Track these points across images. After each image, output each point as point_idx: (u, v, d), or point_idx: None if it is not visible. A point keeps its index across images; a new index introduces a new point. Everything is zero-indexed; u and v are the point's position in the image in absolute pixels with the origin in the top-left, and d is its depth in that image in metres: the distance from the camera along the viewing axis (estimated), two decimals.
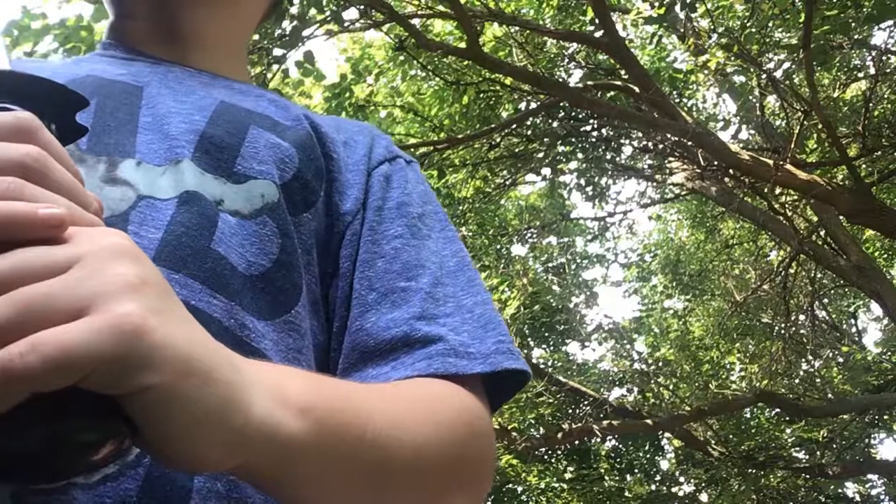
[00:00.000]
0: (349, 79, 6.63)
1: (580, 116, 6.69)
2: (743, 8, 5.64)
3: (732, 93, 7.28)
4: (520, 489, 10.13)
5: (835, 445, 7.92)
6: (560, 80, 6.68)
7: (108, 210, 0.55)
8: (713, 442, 8.19)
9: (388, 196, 0.69)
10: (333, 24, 5.26)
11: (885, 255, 9.18)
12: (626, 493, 9.68)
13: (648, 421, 7.64)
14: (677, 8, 5.28)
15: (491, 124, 6.67)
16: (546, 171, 7.73)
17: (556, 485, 9.80)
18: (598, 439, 9.60)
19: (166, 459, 0.39)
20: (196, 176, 0.60)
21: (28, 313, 0.35)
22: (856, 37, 5.04)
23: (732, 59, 5.55)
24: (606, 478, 9.92)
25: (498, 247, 9.69)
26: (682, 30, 6.79)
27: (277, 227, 0.61)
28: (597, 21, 5.49)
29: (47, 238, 0.38)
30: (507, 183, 7.66)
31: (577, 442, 9.17)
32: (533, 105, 6.72)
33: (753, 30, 5.09)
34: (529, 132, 6.89)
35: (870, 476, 8.82)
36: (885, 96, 6.00)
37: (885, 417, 8.11)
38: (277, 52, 5.18)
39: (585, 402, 8.28)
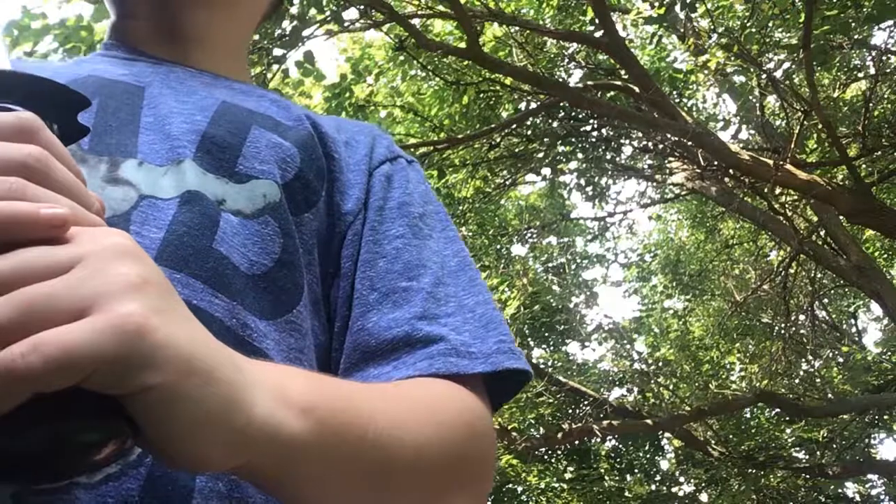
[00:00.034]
0: (349, 79, 6.64)
1: (580, 116, 6.69)
2: (743, 8, 5.64)
3: (732, 93, 7.28)
4: (520, 489, 10.13)
5: (835, 445, 7.92)
6: (560, 80, 6.68)
7: (110, 210, 0.55)
8: (713, 442, 8.19)
9: (389, 196, 0.69)
10: (333, 24, 5.27)
11: (885, 255, 9.18)
12: (626, 493, 9.68)
13: (648, 421, 7.64)
14: (677, 8, 5.29)
15: (491, 124, 6.67)
16: (546, 171, 7.74)
17: (556, 485, 9.80)
18: (598, 439, 9.60)
19: (168, 459, 0.39)
20: (198, 176, 0.60)
21: (30, 313, 0.35)
22: (856, 37, 5.04)
23: (732, 59, 5.55)
24: (606, 478, 9.92)
25: (498, 247, 9.70)
26: (682, 30, 6.79)
27: (279, 227, 0.61)
28: (597, 21, 5.49)
29: (49, 238, 0.38)
30: (507, 183, 7.66)
31: (577, 442, 9.17)
32: (533, 105, 6.72)
33: (753, 30, 5.09)
34: (529, 132, 6.89)
35: (870, 476, 8.83)
36: (885, 96, 6.00)
37: (885, 417, 8.11)
38: (277, 52, 5.19)
39: (585, 402, 8.28)
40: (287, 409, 0.43)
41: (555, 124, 6.81)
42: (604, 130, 6.93)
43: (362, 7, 5.30)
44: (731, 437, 8.26)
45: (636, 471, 10.59)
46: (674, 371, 9.58)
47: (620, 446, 10.57)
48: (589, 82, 6.57)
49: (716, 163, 5.70)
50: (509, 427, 7.97)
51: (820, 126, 5.19)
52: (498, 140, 6.63)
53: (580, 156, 7.39)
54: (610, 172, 7.78)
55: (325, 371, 0.63)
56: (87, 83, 0.64)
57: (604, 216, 8.79)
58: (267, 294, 0.59)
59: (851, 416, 7.56)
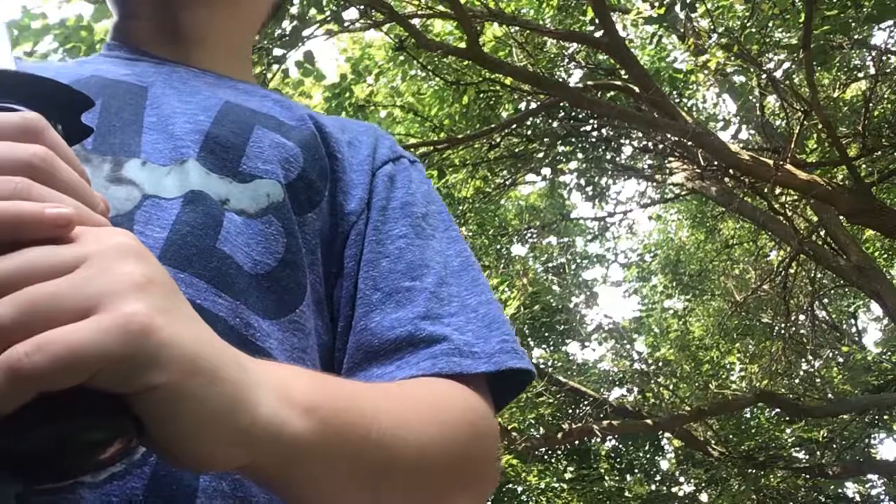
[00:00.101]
0: (349, 79, 6.64)
1: (580, 116, 6.69)
2: (743, 8, 5.64)
3: (732, 93, 7.28)
4: (520, 489, 10.13)
5: (835, 445, 7.92)
6: (560, 80, 6.68)
7: (114, 209, 0.55)
8: (713, 442, 8.19)
9: (392, 196, 0.69)
10: (333, 24, 5.27)
11: (885, 255, 9.19)
12: (626, 493, 9.68)
13: (648, 421, 7.64)
14: (677, 8, 5.29)
15: (491, 124, 6.67)
16: (546, 171, 7.74)
17: (556, 485, 9.80)
18: (598, 439, 9.60)
19: (173, 458, 0.40)
20: (201, 175, 0.60)
21: (35, 313, 0.35)
22: (856, 37, 5.04)
23: (732, 59, 5.55)
24: (606, 478, 9.92)
25: (498, 247, 9.70)
26: (682, 30, 6.79)
27: (283, 227, 0.62)
28: (597, 21, 5.49)
29: (54, 238, 0.38)
30: (507, 183, 7.66)
31: (577, 442, 9.17)
32: (533, 105, 6.72)
33: (753, 30, 5.09)
34: (529, 132, 6.89)
35: (870, 476, 8.83)
36: (885, 96, 6.00)
37: (885, 417, 8.11)
38: (277, 52, 5.18)
39: (585, 402, 8.28)
40: (291, 409, 0.43)
41: (555, 124, 6.81)
42: (604, 130, 6.93)
43: (362, 7, 5.30)
44: (731, 437, 8.26)
45: (636, 471, 10.59)
46: (674, 371, 9.59)
47: (620, 446, 10.57)
48: (589, 82, 6.58)
49: (716, 163, 5.70)
50: (509, 427, 7.98)
51: (820, 126, 5.19)
52: (498, 140, 6.63)
53: (580, 156, 7.39)
54: (610, 172, 7.78)
55: (329, 371, 0.63)
56: (90, 83, 0.64)
57: (604, 216, 8.80)
58: (270, 294, 0.59)
59: (851, 416, 7.56)
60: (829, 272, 7.02)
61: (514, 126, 6.68)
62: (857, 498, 9.43)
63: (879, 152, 5.69)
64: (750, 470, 7.62)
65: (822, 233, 6.50)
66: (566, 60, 7.05)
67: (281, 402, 0.43)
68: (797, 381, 8.68)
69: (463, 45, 5.44)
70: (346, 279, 0.65)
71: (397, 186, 0.70)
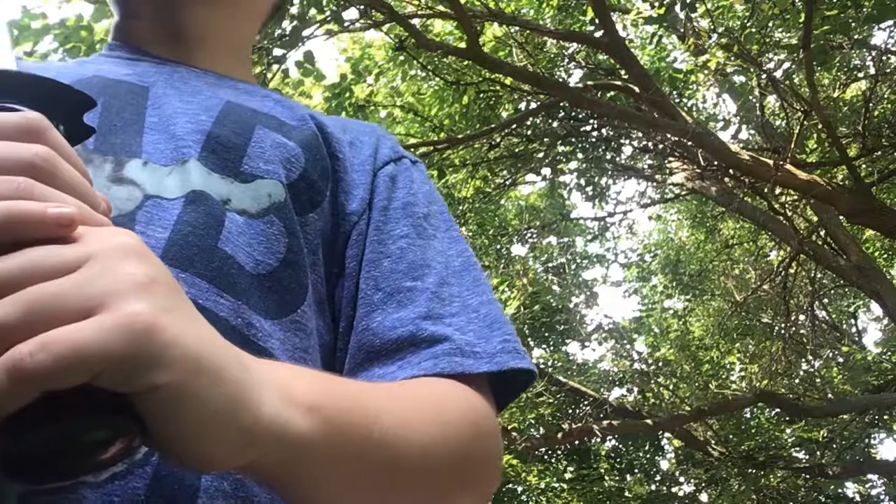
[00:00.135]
0: (349, 79, 6.64)
1: (580, 116, 6.69)
2: (743, 8, 5.64)
3: (732, 93, 7.28)
4: (520, 489, 10.13)
5: (835, 445, 7.93)
6: (560, 80, 6.68)
7: (115, 210, 0.55)
8: (713, 442, 8.20)
9: (393, 196, 0.69)
10: (333, 24, 5.27)
11: (885, 255, 9.19)
12: (626, 493, 9.68)
13: (648, 421, 7.64)
14: (677, 8, 5.29)
15: (491, 124, 6.67)
16: (546, 171, 7.74)
17: (556, 485, 9.81)
18: (598, 439, 9.61)
19: (175, 458, 0.40)
20: (203, 175, 0.60)
21: (38, 312, 0.35)
22: (856, 37, 5.04)
23: (732, 59, 5.55)
24: (606, 478, 9.92)
25: (498, 247, 9.70)
26: (682, 30, 6.79)
27: (284, 227, 0.62)
28: (597, 21, 5.49)
29: (57, 237, 0.38)
30: (507, 183, 7.66)
31: (577, 442, 9.18)
32: (533, 105, 6.72)
33: (753, 30, 5.10)
34: (529, 132, 6.89)
35: (870, 476, 8.83)
36: (885, 96, 6.00)
37: (885, 417, 8.11)
38: (277, 52, 5.19)
39: (585, 402, 8.29)
40: (294, 409, 0.43)
41: (555, 124, 6.82)
42: (604, 130, 6.94)
43: (362, 7, 5.30)
44: (731, 437, 8.26)
45: (636, 471, 10.59)
46: (674, 371, 9.59)
47: (620, 446, 10.57)
48: (589, 82, 6.58)
49: (716, 163, 5.71)
50: (509, 427, 7.98)
51: (820, 126, 5.19)
52: (498, 140, 6.63)
53: (580, 156, 7.39)
54: (610, 172, 7.78)
55: (330, 371, 0.63)
56: (91, 83, 0.64)
57: (604, 216, 8.80)
58: (272, 293, 0.59)
59: (851, 416, 7.57)
60: (829, 272, 7.02)
61: (514, 126, 6.68)
62: (857, 498, 9.43)
63: (879, 152, 5.69)
64: (750, 470, 7.62)
65: (822, 233, 6.50)
66: (566, 60, 7.06)
67: (284, 402, 0.43)
68: (797, 381, 8.69)
69: (463, 45, 5.45)
70: (348, 279, 0.65)
71: (399, 187, 0.70)
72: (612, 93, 6.45)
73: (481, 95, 6.74)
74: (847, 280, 6.51)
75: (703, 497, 9.35)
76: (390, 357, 0.60)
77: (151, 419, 0.37)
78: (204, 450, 0.39)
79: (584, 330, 10.46)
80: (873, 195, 5.24)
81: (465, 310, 0.64)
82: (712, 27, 5.65)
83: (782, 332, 7.60)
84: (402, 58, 6.48)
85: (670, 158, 6.81)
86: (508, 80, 6.25)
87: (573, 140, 7.00)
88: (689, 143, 5.38)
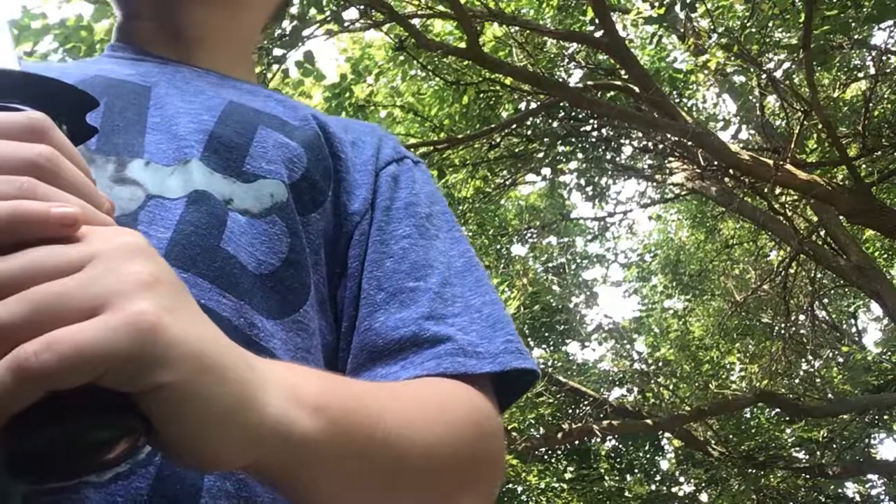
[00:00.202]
0: (349, 79, 6.63)
1: (580, 116, 6.69)
2: (743, 8, 5.64)
3: (732, 93, 7.28)
4: (520, 489, 10.13)
5: (835, 445, 7.93)
6: (560, 80, 6.68)
7: (118, 210, 0.55)
8: (713, 442, 8.20)
9: (396, 196, 0.69)
10: (333, 24, 5.27)
11: (885, 255, 9.19)
12: (626, 493, 9.68)
13: (648, 421, 7.64)
14: (677, 8, 5.29)
15: (491, 124, 6.67)
16: (546, 171, 7.74)
17: (556, 485, 9.80)
18: (598, 439, 9.61)
19: (179, 458, 0.39)
20: (205, 175, 0.60)
21: (42, 312, 0.35)
22: (856, 37, 5.04)
23: (732, 59, 5.55)
24: (606, 478, 9.92)
25: (498, 247, 9.70)
26: (682, 30, 6.79)
27: (287, 227, 0.61)
28: (597, 21, 5.49)
29: (60, 237, 0.38)
30: (507, 183, 7.66)
31: (577, 442, 9.18)
32: (533, 105, 6.72)
33: (753, 30, 5.10)
34: (529, 132, 6.89)
35: (870, 476, 8.83)
36: (885, 96, 6.00)
37: (885, 417, 8.11)
38: (277, 52, 5.18)
39: (585, 402, 8.29)
40: (300, 409, 0.43)
41: (555, 124, 6.82)
42: (604, 130, 6.93)
43: (362, 7, 5.30)
44: (731, 437, 8.26)
45: (636, 471, 10.59)
46: (674, 371, 9.59)
47: (620, 446, 10.57)
48: (589, 82, 6.58)
49: (716, 163, 5.71)
50: (509, 427, 7.97)
51: (820, 126, 5.19)
52: (498, 140, 6.63)
53: (580, 156, 7.39)
54: (610, 172, 7.78)
55: (333, 371, 0.63)
56: (93, 83, 0.64)
57: (604, 216, 8.80)
58: (274, 294, 0.59)
59: (851, 416, 7.57)
60: (829, 272, 7.02)
61: (514, 126, 6.68)
62: (857, 498, 9.44)
63: (879, 152, 5.69)
64: (750, 470, 7.62)
65: (822, 233, 6.50)
66: (566, 60, 7.06)
67: (290, 402, 0.43)
68: (797, 381, 8.69)
69: (463, 45, 5.44)
70: (350, 279, 0.65)
71: (401, 187, 0.70)
72: (612, 93, 6.45)
73: (481, 95, 6.74)
74: (847, 280, 6.51)
75: (703, 497, 9.35)
76: (393, 357, 0.60)
77: (155, 419, 0.37)
78: (208, 449, 0.39)
79: (584, 330, 10.47)
80: (873, 195, 5.24)
81: (467, 310, 0.64)
82: (712, 27, 5.65)
83: (782, 332, 7.60)
84: (402, 58, 6.48)
85: (670, 158, 6.81)
86: (508, 80, 6.25)
87: (573, 140, 7.00)
88: (689, 143, 5.38)
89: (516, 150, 7.00)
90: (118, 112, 0.63)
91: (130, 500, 0.47)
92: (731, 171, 5.82)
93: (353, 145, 0.71)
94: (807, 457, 8.27)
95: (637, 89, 5.57)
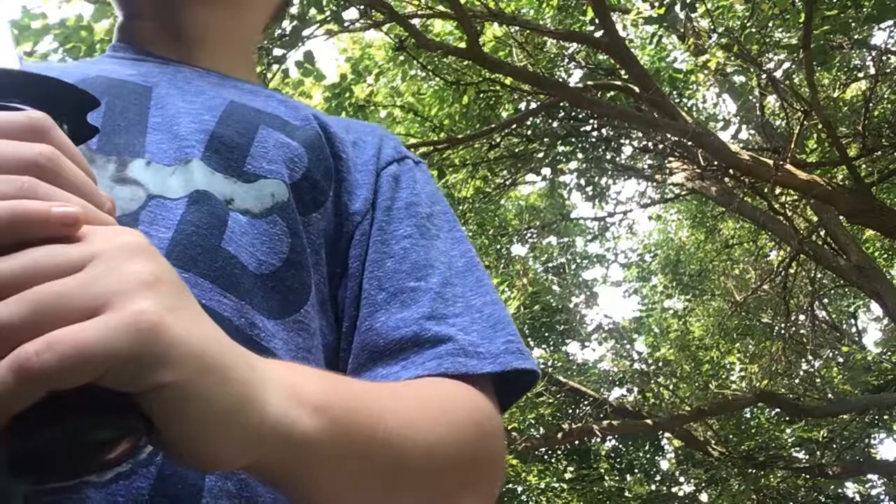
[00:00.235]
0: (349, 79, 6.63)
1: (580, 116, 6.69)
2: (743, 8, 5.64)
3: (732, 93, 7.28)
4: (520, 489, 10.13)
5: (835, 445, 7.93)
6: (560, 80, 6.68)
7: (119, 210, 0.55)
8: (713, 442, 8.20)
9: (397, 196, 0.69)
10: (333, 24, 5.27)
11: (885, 255, 9.19)
12: (626, 493, 9.68)
13: (648, 421, 7.65)
14: (677, 8, 5.29)
15: (491, 124, 6.67)
16: (546, 171, 7.74)
17: (556, 485, 9.80)
18: (598, 439, 9.61)
19: (180, 457, 0.39)
20: (206, 175, 0.60)
21: (43, 312, 0.35)
22: (856, 37, 5.04)
23: (732, 59, 5.55)
24: (606, 478, 9.92)
25: (498, 247, 9.70)
26: (682, 30, 6.79)
27: (287, 227, 0.61)
28: (597, 21, 5.49)
29: (61, 237, 0.38)
30: (507, 183, 7.66)
31: (577, 442, 9.18)
32: (533, 105, 6.72)
33: (753, 30, 5.10)
34: (529, 132, 6.89)
35: (870, 476, 8.83)
36: (885, 96, 6.00)
37: (885, 417, 8.11)
38: (277, 52, 5.19)
39: (585, 402, 8.29)
40: (300, 408, 0.43)
41: (555, 124, 6.82)
42: (604, 130, 6.94)
43: (362, 7, 5.30)
44: (731, 437, 8.26)
45: (636, 471, 10.59)
46: (674, 371, 9.59)
47: (620, 446, 10.57)
48: (589, 82, 6.58)
49: (716, 163, 5.71)
50: (509, 427, 7.97)
51: (820, 126, 5.19)
52: (498, 140, 6.63)
53: (580, 156, 7.39)
54: (610, 172, 7.78)
55: (334, 371, 0.63)
56: (95, 83, 0.64)
57: (604, 216, 8.80)
58: (275, 294, 0.59)
59: (851, 416, 7.57)
60: (829, 272, 7.02)
61: (514, 126, 6.68)
62: (857, 498, 9.44)
63: (879, 152, 5.69)
64: (750, 470, 7.62)
65: (822, 233, 6.50)
66: (566, 60, 7.06)
67: (291, 402, 0.43)
68: (797, 381, 8.69)
69: (463, 45, 5.44)
70: (351, 279, 0.65)
71: (402, 187, 0.70)
72: (612, 93, 6.45)
73: (481, 95, 6.74)
74: (847, 280, 6.51)
75: (703, 497, 9.35)
76: (394, 357, 0.60)
77: (157, 418, 0.37)
78: (209, 449, 0.39)
79: (584, 330, 10.47)
80: (873, 195, 5.24)
81: (468, 310, 0.64)
82: (712, 27, 5.65)
83: (782, 332, 7.60)
84: (402, 58, 6.48)
85: (670, 158, 6.81)
86: (508, 80, 6.25)
87: (573, 140, 7.00)
88: (689, 143, 5.38)
89: (516, 150, 7.00)
90: (119, 112, 0.63)
91: (132, 500, 0.47)
92: (731, 171, 5.82)
93: (355, 145, 0.71)
94: (807, 457, 8.27)
95: (637, 89, 5.57)
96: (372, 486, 0.50)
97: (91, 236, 0.39)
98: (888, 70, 5.83)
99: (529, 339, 10.22)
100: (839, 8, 4.57)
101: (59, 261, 0.37)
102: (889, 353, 8.39)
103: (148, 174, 0.59)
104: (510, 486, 9.90)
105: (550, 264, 10.85)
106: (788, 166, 5.01)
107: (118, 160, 0.59)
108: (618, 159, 7.59)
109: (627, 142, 7.27)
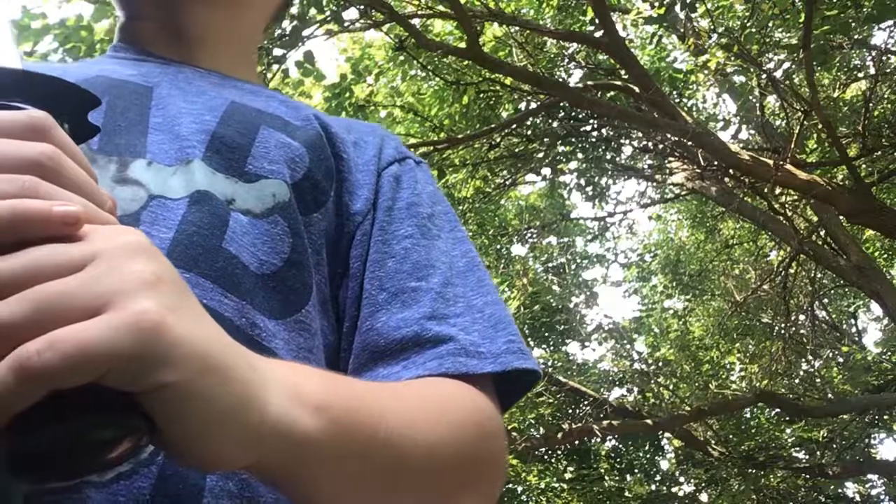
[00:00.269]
0: (349, 79, 6.63)
1: (580, 116, 6.69)
2: (743, 8, 5.64)
3: (732, 93, 7.29)
4: (520, 489, 10.12)
5: (835, 445, 7.93)
6: (560, 80, 6.68)
7: (120, 210, 0.55)
8: (713, 442, 8.20)
9: (398, 196, 0.69)
10: (333, 24, 5.27)
11: (885, 255, 9.19)
12: (626, 493, 9.68)
13: (648, 421, 7.65)
14: (677, 8, 5.29)
15: (491, 124, 6.67)
16: (546, 171, 7.74)
17: (556, 485, 9.80)
18: (598, 439, 9.60)
19: (181, 457, 0.39)
20: (207, 175, 0.60)
21: (45, 311, 0.35)
22: (856, 37, 5.05)
23: (732, 59, 5.55)
24: (606, 478, 9.92)
25: (498, 247, 9.71)
26: (682, 30, 6.80)
27: (289, 227, 0.61)
28: (597, 21, 5.49)
29: (63, 236, 0.38)
30: (507, 183, 7.66)
31: (577, 442, 9.17)
32: (533, 105, 6.72)
33: (753, 30, 5.10)
34: (529, 132, 6.89)
35: (870, 476, 8.83)
36: (885, 96, 6.00)
37: (885, 417, 8.11)
38: (277, 52, 5.19)
39: (585, 402, 8.29)
40: (301, 408, 0.43)
41: (555, 124, 6.82)
42: (604, 130, 6.94)
43: (362, 7, 5.30)
44: (731, 437, 8.26)
45: (636, 471, 10.59)
46: (674, 371, 9.59)
47: (620, 446, 10.57)
48: (589, 82, 6.58)
49: (716, 163, 5.71)
50: (509, 427, 7.97)
51: (820, 126, 5.20)
52: (498, 140, 6.63)
53: (580, 156, 7.40)
54: (610, 172, 7.78)
55: (334, 371, 0.63)
56: (95, 83, 0.64)
57: (604, 216, 8.80)
58: (276, 294, 0.59)
59: (851, 416, 7.57)
60: (829, 272, 7.02)
61: (514, 126, 6.68)
62: (857, 498, 9.43)
63: (879, 152, 5.69)
64: (750, 470, 7.62)
65: (822, 233, 6.50)
66: (566, 60, 7.06)
67: (292, 401, 0.43)
68: (797, 381, 8.69)
69: (463, 45, 5.44)
70: (352, 279, 0.65)
71: (403, 187, 0.70)
72: (612, 93, 6.45)
73: (481, 95, 6.74)
74: (847, 280, 6.51)
75: (703, 497, 9.35)
76: (395, 357, 0.60)
77: (158, 418, 0.37)
78: (209, 449, 0.39)
79: (584, 330, 10.47)
80: (873, 195, 5.24)
81: (469, 310, 0.64)
82: (712, 27, 5.65)
83: (782, 332, 7.61)
84: (402, 58, 6.48)
85: (670, 158, 6.81)
86: (508, 80, 6.25)
87: (573, 140, 7.00)
88: (689, 143, 5.38)
89: (516, 150, 7.00)
90: (120, 112, 0.63)
91: (133, 500, 0.47)
92: (731, 171, 5.82)
93: (356, 145, 0.71)
94: (807, 457, 8.27)
95: (637, 89, 5.57)
96: (372, 486, 0.50)
97: (92, 235, 0.39)
98: (888, 70, 5.83)
99: (529, 339, 10.22)
100: (839, 8, 4.57)
101: (61, 260, 0.37)
102: (889, 353, 8.39)
103: (149, 174, 0.59)
104: (510, 486, 9.90)
105: (550, 264, 10.85)
106: (788, 166, 5.01)
107: (119, 160, 0.59)
108: (618, 159, 7.60)
109: (627, 142, 7.28)
